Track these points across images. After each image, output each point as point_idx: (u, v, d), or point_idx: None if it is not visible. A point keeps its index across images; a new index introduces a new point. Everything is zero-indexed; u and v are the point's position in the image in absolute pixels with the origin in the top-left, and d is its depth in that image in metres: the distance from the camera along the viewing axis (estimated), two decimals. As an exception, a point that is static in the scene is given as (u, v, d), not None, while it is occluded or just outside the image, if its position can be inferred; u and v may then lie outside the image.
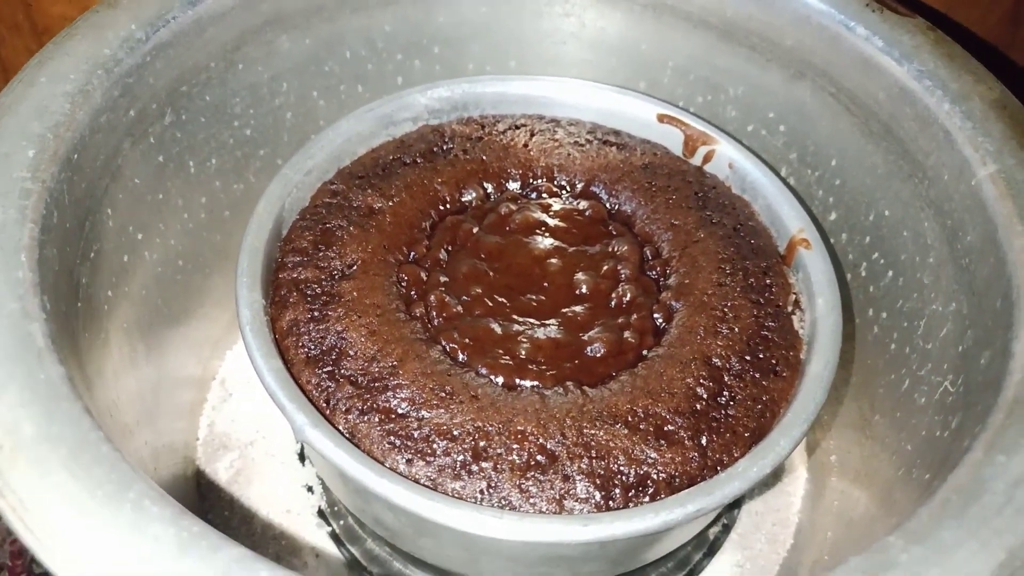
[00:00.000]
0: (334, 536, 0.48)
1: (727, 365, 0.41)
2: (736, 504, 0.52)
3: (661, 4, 0.53)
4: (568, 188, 0.50)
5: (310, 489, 0.50)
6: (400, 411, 0.39)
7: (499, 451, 0.38)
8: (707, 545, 0.49)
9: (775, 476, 0.52)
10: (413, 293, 0.44)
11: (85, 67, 0.39)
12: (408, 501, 0.34)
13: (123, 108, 0.41)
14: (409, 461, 0.38)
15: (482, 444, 0.38)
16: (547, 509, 0.37)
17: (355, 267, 0.44)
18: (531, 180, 0.50)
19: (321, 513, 0.49)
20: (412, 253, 0.46)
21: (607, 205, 0.49)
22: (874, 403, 0.47)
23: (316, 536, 0.48)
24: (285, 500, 0.49)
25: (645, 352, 0.42)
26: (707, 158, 0.51)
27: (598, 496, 0.37)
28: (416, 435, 0.38)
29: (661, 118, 0.52)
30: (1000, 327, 0.34)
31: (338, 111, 0.53)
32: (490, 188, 0.49)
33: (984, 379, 0.34)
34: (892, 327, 0.46)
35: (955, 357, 0.38)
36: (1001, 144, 0.39)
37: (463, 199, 0.48)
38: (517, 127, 0.52)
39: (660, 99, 0.53)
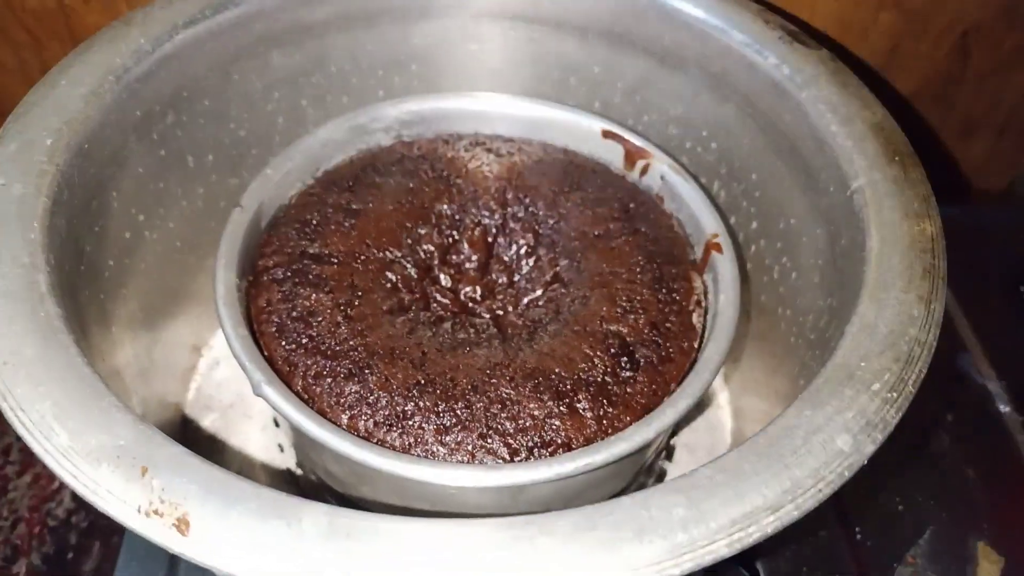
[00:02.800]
0: (299, 490, 0.55)
1: (629, 347, 0.47)
2: (667, 455, 0.58)
3: (610, 33, 0.59)
4: (518, 209, 0.56)
5: (281, 448, 0.57)
6: (349, 372, 0.45)
7: (427, 406, 0.44)
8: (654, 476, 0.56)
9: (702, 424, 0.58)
10: (405, 280, 0.51)
11: (99, 73, 0.47)
12: (342, 447, 0.41)
13: (131, 109, 0.49)
14: (352, 416, 0.44)
15: (416, 400, 0.44)
16: (462, 461, 0.43)
17: (337, 256, 0.51)
18: (480, 200, 0.56)
19: (289, 471, 0.56)
20: (396, 253, 0.52)
21: (536, 214, 0.55)
22: (778, 391, 0.53)
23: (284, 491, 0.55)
24: (258, 456, 0.56)
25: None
26: (644, 170, 0.57)
27: (505, 452, 0.43)
28: (357, 392, 0.45)
29: (605, 133, 0.58)
30: (845, 315, 0.40)
31: (325, 118, 0.59)
32: (442, 212, 0.56)
33: (825, 350, 0.40)
34: (792, 322, 0.52)
35: (820, 344, 0.44)
36: (872, 161, 0.45)
37: (419, 231, 0.54)
38: (477, 143, 0.59)
39: (610, 118, 0.59)
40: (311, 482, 0.56)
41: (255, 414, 0.58)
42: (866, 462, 0.32)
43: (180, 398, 0.58)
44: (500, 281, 0.55)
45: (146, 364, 0.52)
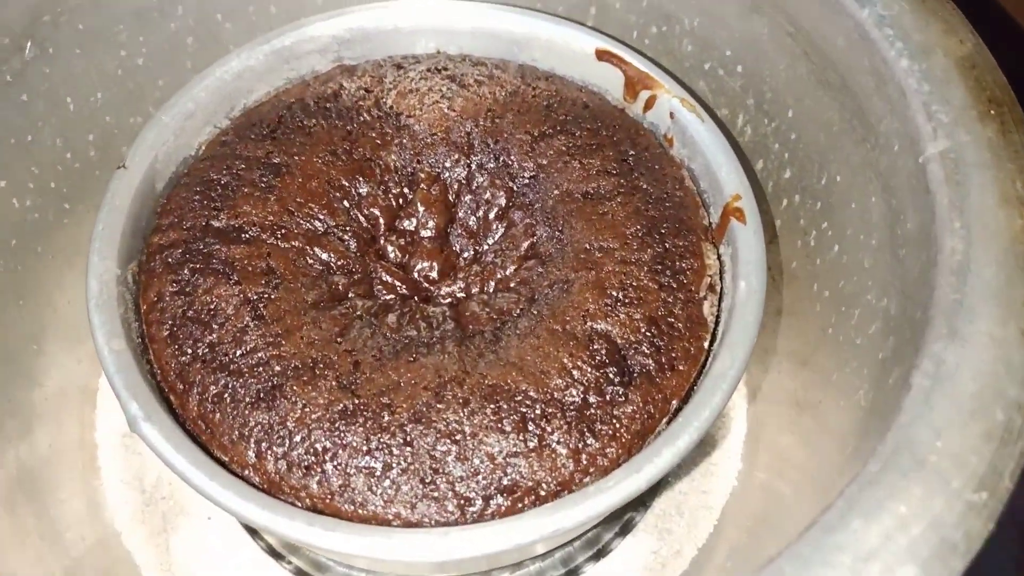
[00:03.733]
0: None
1: (620, 352, 0.36)
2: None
3: (608, -84, 0.46)
4: (487, 159, 0.44)
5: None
6: (256, 396, 0.35)
7: (355, 443, 0.34)
8: (620, 524, 0.46)
9: (703, 453, 0.48)
10: (336, 260, 0.40)
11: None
12: (231, 504, 0.32)
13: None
14: (259, 454, 0.35)
15: (340, 434, 0.35)
16: (399, 513, 0.34)
17: (250, 230, 0.40)
18: (439, 147, 0.44)
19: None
20: (329, 222, 0.41)
21: (510, 165, 0.43)
22: (807, 389, 0.42)
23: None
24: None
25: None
26: (648, 104, 0.45)
27: (453, 504, 0.34)
28: (265, 422, 0.35)
29: (600, 54, 0.45)
30: (911, 346, 0.28)
31: (249, 35, 0.47)
32: (390, 163, 0.44)
33: (884, 406, 0.29)
34: (832, 309, 0.41)
35: (874, 365, 0.33)
36: (958, 115, 0.32)
37: (360, 190, 0.43)
38: (437, 70, 0.46)
39: (606, 33, 0.46)
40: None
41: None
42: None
43: (89, 381, 0.49)
44: (463, 253, 0.44)
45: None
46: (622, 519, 0.47)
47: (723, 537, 0.46)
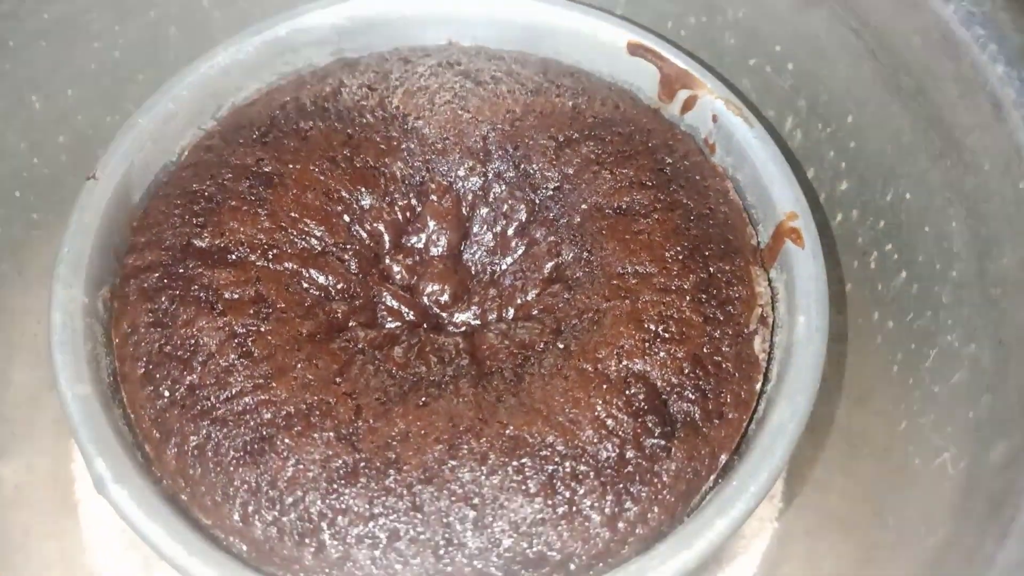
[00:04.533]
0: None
1: (660, 398, 0.32)
2: None
3: None
4: (505, 168, 0.39)
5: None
6: (243, 450, 0.31)
7: (356, 507, 0.30)
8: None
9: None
10: (335, 284, 0.36)
11: None
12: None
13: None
14: (245, 518, 0.30)
15: (338, 496, 0.30)
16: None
17: (237, 250, 0.35)
18: (451, 153, 0.39)
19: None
20: (327, 241, 0.36)
21: (531, 175, 0.38)
22: (866, 435, 0.38)
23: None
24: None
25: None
26: (688, 105, 0.40)
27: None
28: (253, 482, 0.30)
29: (632, 48, 0.40)
30: (1007, 401, 0.24)
31: (239, 25, 0.42)
32: (395, 172, 0.39)
33: (990, 483, 0.24)
34: (897, 343, 0.36)
35: (964, 424, 0.29)
36: (1071, 133, 0.27)
37: (362, 203, 0.38)
38: (449, 65, 0.41)
39: (639, 24, 0.41)
40: None
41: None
42: None
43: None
44: (479, 276, 0.39)
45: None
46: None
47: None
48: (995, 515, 0.22)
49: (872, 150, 0.37)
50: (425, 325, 0.37)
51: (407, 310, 0.38)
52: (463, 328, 0.38)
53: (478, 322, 0.38)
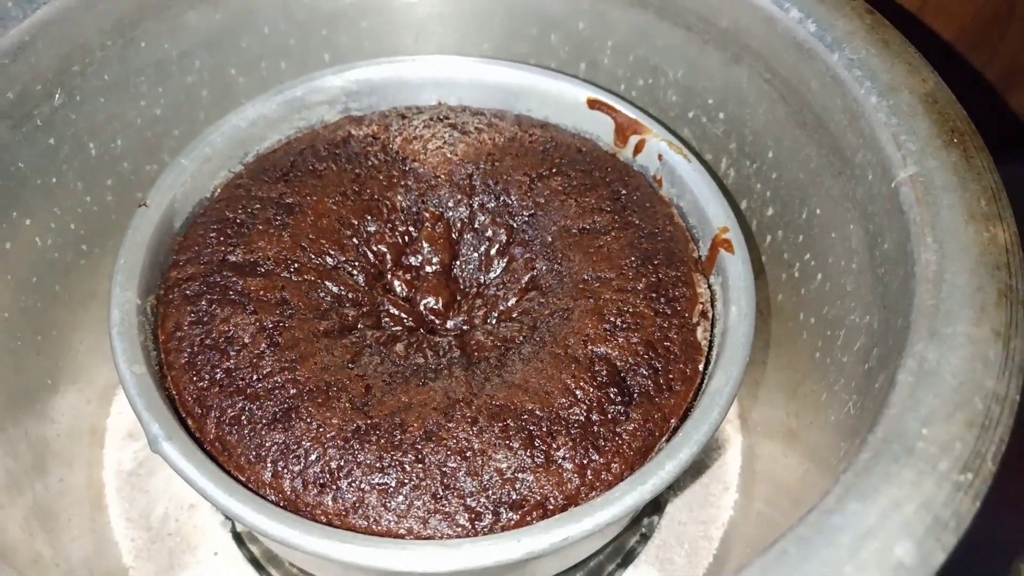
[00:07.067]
0: (236, 535, 0.47)
1: (620, 374, 0.38)
2: (656, 509, 0.49)
3: (597, -21, 0.49)
4: (488, 199, 0.47)
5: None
6: (272, 418, 0.37)
7: (369, 460, 0.36)
8: (621, 555, 0.47)
9: (701, 484, 0.50)
10: (346, 293, 0.42)
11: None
12: (259, 522, 0.33)
13: (-1, 90, 0.40)
14: (275, 473, 0.36)
15: (354, 452, 0.36)
16: (412, 528, 0.35)
17: (265, 264, 0.42)
18: (443, 188, 0.47)
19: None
20: (340, 258, 0.43)
21: (510, 204, 0.46)
22: (799, 414, 0.44)
23: (218, 534, 0.47)
24: (189, 494, 0.48)
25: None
26: (638, 148, 0.48)
27: (464, 517, 0.35)
28: (282, 443, 0.36)
29: (591, 103, 0.49)
30: (896, 350, 0.31)
31: (260, 89, 0.50)
32: (396, 203, 0.46)
33: (872, 406, 0.31)
34: (818, 334, 0.43)
35: (860, 376, 0.35)
36: (925, 143, 0.35)
37: (368, 228, 0.45)
38: (440, 119, 0.49)
39: (597, 84, 0.50)
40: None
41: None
42: (934, 579, 0.24)
43: (97, 422, 0.50)
44: (467, 288, 0.46)
45: (50, 391, 0.43)
46: (624, 550, 0.48)
47: (723, 566, 0.47)
48: (874, 419, 0.28)
49: (789, 178, 0.45)
50: (422, 329, 0.44)
51: (406, 316, 0.44)
52: (454, 332, 0.44)
53: (467, 326, 0.44)
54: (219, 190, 0.46)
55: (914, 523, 0.25)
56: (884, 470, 0.26)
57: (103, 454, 0.49)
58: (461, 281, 0.46)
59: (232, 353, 0.38)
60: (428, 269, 0.46)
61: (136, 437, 0.50)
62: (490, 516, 0.35)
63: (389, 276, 0.45)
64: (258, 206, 0.44)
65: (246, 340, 0.39)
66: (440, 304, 0.45)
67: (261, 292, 0.40)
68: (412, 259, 0.46)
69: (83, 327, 0.48)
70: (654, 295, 0.41)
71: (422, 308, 0.45)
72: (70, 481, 0.45)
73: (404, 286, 0.45)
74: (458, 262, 0.46)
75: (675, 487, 0.51)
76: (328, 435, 0.36)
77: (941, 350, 0.29)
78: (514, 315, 0.43)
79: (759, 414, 0.51)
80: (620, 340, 0.40)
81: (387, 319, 0.44)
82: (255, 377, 0.38)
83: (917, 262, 0.32)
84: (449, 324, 0.45)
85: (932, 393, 0.28)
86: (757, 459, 0.50)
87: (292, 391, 0.37)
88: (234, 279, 0.41)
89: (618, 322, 0.40)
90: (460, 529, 0.35)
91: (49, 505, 0.42)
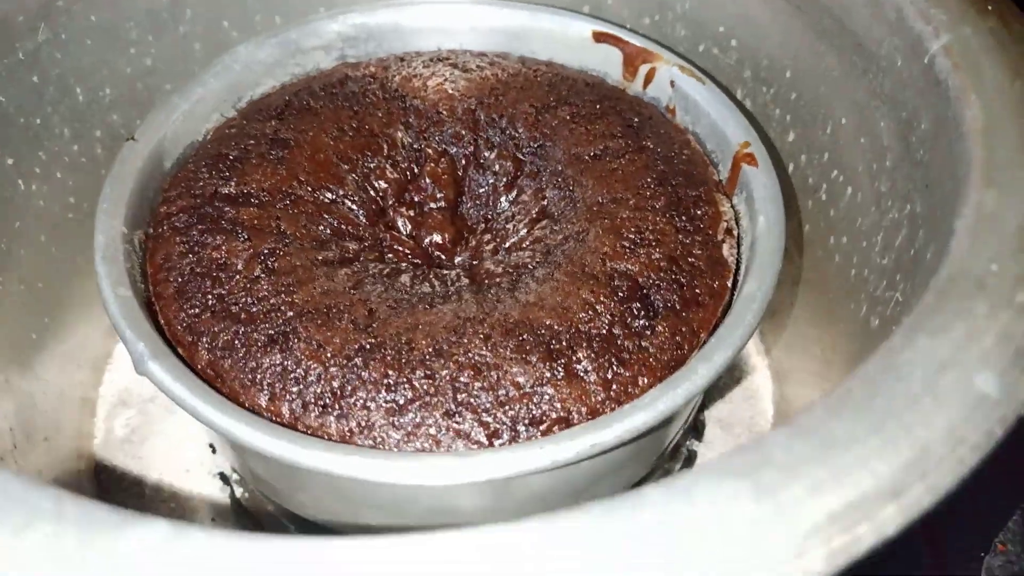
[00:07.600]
0: (234, 499, 0.44)
1: (642, 290, 0.35)
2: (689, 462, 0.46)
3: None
4: (493, 133, 0.44)
5: (213, 448, 0.45)
6: (268, 339, 0.34)
7: (374, 378, 0.33)
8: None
9: (733, 435, 0.46)
10: (346, 227, 0.40)
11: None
12: (243, 435, 0.30)
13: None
14: (272, 396, 0.33)
15: (358, 370, 0.33)
16: (424, 449, 0.32)
17: (259, 196, 0.39)
18: (445, 124, 0.44)
19: (223, 475, 0.45)
20: (338, 192, 0.41)
21: (516, 137, 0.44)
22: (835, 344, 0.41)
23: (216, 498, 0.44)
24: (184, 459, 0.45)
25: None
26: (649, 78, 0.46)
27: (481, 434, 0.32)
28: (279, 364, 0.33)
29: (597, 36, 0.47)
30: (947, 211, 0.28)
31: (254, 43, 0.48)
32: (397, 139, 0.44)
33: (924, 278, 0.28)
34: (852, 251, 0.40)
35: (907, 263, 0.32)
36: (957, 13, 0.33)
37: (368, 164, 0.43)
38: (440, 59, 0.47)
39: (602, 18, 0.48)
40: (251, 492, 0.45)
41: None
42: (1024, 412, 0.21)
43: (88, 392, 0.47)
44: (474, 224, 0.43)
45: (46, 356, 0.40)
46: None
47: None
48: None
49: (810, 95, 0.43)
50: (428, 264, 0.41)
51: (410, 253, 0.41)
52: (462, 266, 0.42)
53: (475, 261, 0.42)
54: (210, 134, 0.44)
55: (994, 354, 0.22)
56: (954, 307, 0.23)
57: (93, 423, 0.46)
58: (468, 218, 0.43)
59: (224, 279, 0.36)
60: (432, 206, 0.43)
61: (128, 404, 0.47)
62: (509, 433, 0.32)
63: (391, 213, 0.42)
64: (252, 142, 0.42)
65: (239, 266, 0.36)
66: (447, 241, 0.42)
67: (255, 221, 0.38)
68: (415, 196, 0.43)
69: (73, 291, 0.45)
70: (674, 212, 0.39)
71: (427, 244, 0.42)
72: (57, 442, 0.42)
73: (408, 223, 0.43)
74: (464, 198, 0.44)
75: (706, 441, 0.47)
76: (329, 354, 0.33)
77: (999, 195, 0.26)
78: (525, 245, 0.40)
79: (789, 362, 0.48)
80: (641, 256, 0.37)
81: (390, 256, 0.41)
82: (249, 300, 0.35)
83: (961, 122, 0.29)
84: (456, 260, 0.42)
85: (995, 233, 0.25)
86: (791, 407, 0.47)
87: (289, 313, 0.35)
88: (227, 209, 0.38)
89: (638, 239, 0.38)
90: (477, 448, 0.32)
91: (34, 466, 0.39)
